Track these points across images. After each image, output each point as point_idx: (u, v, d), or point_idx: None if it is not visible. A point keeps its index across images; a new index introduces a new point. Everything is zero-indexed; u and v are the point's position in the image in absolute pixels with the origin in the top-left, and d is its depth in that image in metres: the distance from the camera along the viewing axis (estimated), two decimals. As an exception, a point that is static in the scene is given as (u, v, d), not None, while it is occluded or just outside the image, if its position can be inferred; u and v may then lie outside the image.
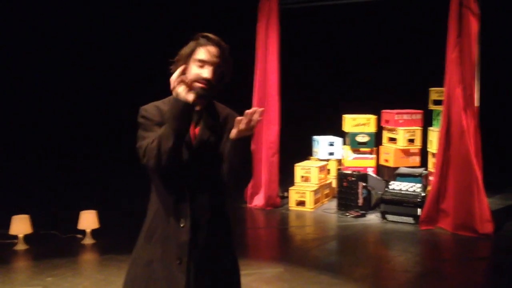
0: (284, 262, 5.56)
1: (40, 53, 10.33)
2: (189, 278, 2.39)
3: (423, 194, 6.95)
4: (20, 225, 5.86)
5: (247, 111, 2.28)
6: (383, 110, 8.43)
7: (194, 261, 2.42)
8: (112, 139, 9.81)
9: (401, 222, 6.94)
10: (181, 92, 2.31)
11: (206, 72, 2.40)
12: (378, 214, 7.23)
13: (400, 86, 8.77)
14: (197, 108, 2.44)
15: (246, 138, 2.35)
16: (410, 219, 6.90)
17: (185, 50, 2.43)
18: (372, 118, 8.41)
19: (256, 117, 2.28)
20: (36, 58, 10.38)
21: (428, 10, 8.12)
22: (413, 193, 7.00)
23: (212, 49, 2.41)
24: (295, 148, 8.79)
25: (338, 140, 8.54)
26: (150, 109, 2.47)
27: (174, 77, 2.33)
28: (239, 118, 2.29)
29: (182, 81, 2.33)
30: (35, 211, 6.42)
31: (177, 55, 2.46)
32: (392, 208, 7.03)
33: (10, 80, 10.36)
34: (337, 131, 8.64)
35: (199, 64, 2.41)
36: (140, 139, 2.41)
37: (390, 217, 7.04)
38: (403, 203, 6.96)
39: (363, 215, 7.29)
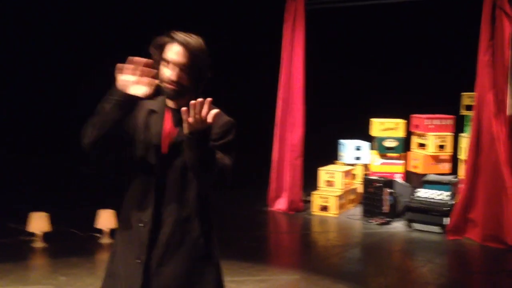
0: (301, 269, 5.42)
1: (60, 54, 10.44)
2: (147, 278, 2.33)
3: (451, 203, 6.69)
4: (39, 223, 5.88)
5: (192, 101, 2.09)
6: (413, 115, 8.17)
7: (154, 261, 2.33)
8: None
9: (427, 231, 6.69)
10: (125, 83, 2.22)
11: (171, 73, 2.29)
12: (404, 222, 6.99)
13: (431, 90, 8.49)
14: (174, 106, 2.37)
15: (199, 132, 2.12)
16: (436, 228, 6.65)
17: (157, 50, 2.33)
18: (401, 122, 8.17)
19: (205, 108, 2.09)
20: (54, 58, 10.50)
21: (460, 11, 7.83)
22: (441, 201, 6.74)
23: (177, 48, 2.28)
24: (321, 151, 8.63)
25: (365, 145, 8.33)
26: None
27: (128, 66, 2.23)
28: (184, 108, 2.11)
29: (134, 71, 2.23)
30: (54, 209, 6.44)
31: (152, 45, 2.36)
32: (418, 216, 6.78)
33: (27, 78, 10.52)
34: (365, 135, 8.42)
35: (165, 63, 2.30)
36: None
37: (416, 225, 6.80)
38: (430, 212, 6.71)
39: (388, 223, 7.07)
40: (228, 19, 9.46)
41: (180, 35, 2.30)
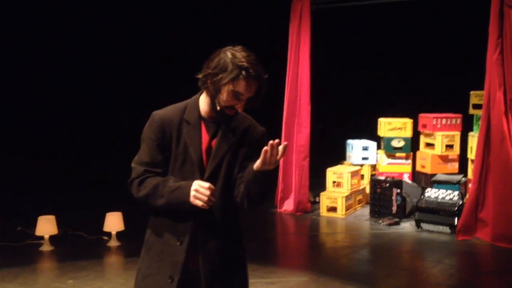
0: (310, 270, 5.37)
1: (70, 58, 10.44)
2: None
3: (460, 203, 6.62)
4: (46, 226, 5.86)
5: (271, 142, 2.13)
6: (421, 114, 8.12)
7: (187, 281, 2.30)
8: (138, 140, 9.82)
9: (436, 232, 6.63)
10: (198, 203, 2.21)
11: (239, 105, 2.28)
12: (413, 223, 6.92)
13: (439, 89, 8.44)
14: (207, 116, 2.35)
15: (269, 172, 2.20)
16: (446, 229, 6.59)
17: (224, 73, 2.23)
18: (408, 122, 8.12)
19: (281, 151, 2.14)
20: (63, 63, 10.50)
21: (468, 10, 7.77)
22: (450, 201, 6.68)
23: (253, 85, 2.25)
24: (328, 152, 8.58)
25: (372, 145, 8.28)
26: (157, 121, 2.33)
27: (206, 192, 2.19)
28: (265, 148, 2.13)
29: (207, 202, 2.21)
30: (61, 212, 6.42)
31: (209, 67, 2.27)
32: (427, 217, 6.72)
33: (36, 81, 10.52)
34: (372, 135, 8.38)
35: (234, 94, 2.25)
36: (138, 154, 2.38)
37: (425, 226, 6.74)
38: (439, 212, 6.65)
39: (396, 223, 7.01)
40: (233, 19, 9.43)
41: (255, 70, 2.23)
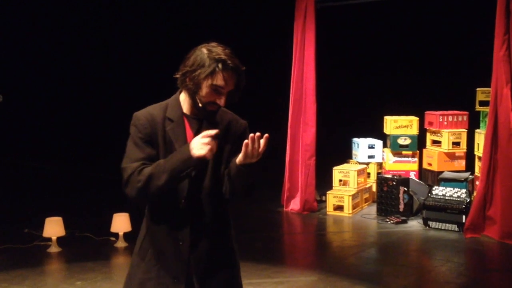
0: (318, 270, 5.35)
1: (78, 59, 10.44)
2: None
3: (468, 200, 6.59)
4: (54, 228, 5.86)
5: (251, 135, 2.12)
6: (427, 112, 8.09)
7: (195, 278, 2.30)
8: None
9: (444, 230, 6.60)
10: (202, 153, 2.14)
11: (220, 99, 2.25)
12: (420, 221, 6.90)
13: (445, 86, 8.40)
14: (188, 112, 2.33)
15: (252, 165, 2.18)
16: (454, 227, 6.56)
17: (202, 69, 2.22)
18: (414, 120, 8.09)
19: (263, 143, 2.13)
20: (72, 64, 10.51)
21: (475, 6, 7.73)
22: (458, 199, 6.65)
23: (232, 77, 2.24)
24: (334, 150, 8.56)
25: (378, 143, 8.26)
26: (142, 119, 2.31)
27: (205, 140, 2.15)
28: (246, 142, 2.13)
29: (210, 149, 2.15)
30: (69, 213, 6.42)
31: (186, 65, 2.26)
32: (435, 215, 6.69)
33: (39, 81, 10.54)
34: (378, 133, 8.35)
35: (213, 88, 2.23)
36: (125, 156, 2.31)
37: (432, 224, 6.71)
38: (447, 210, 6.62)
39: (404, 222, 6.98)
40: (238, 18, 9.41)
41: (232, 62, 2.23)
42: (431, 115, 7.99)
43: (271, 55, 8.63)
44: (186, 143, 2.26)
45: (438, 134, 7.87)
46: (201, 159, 2.16)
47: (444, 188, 6.88)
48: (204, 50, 2.25)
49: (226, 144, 2.34)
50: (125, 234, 6.02)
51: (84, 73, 10.69)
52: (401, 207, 7.16)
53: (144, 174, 2.21)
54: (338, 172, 7.68)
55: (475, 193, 6.75)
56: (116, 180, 9.19)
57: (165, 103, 2.36)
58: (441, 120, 7.78)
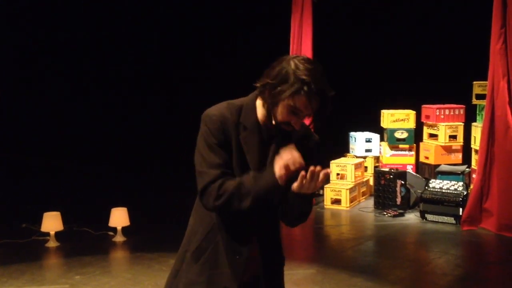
0: (317, 263, 5.38)
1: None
2: None
3: (465, 193, 6.62)
4: (52, 222, 5.86)
5: (312, 168, 1.98)
6: (423, 105, 8.12)
7: None
8: (142, 136, 9.82)
9: (441, 222, 6.63)
10: (284, 171, 1.99)
11: (297, 123, 2.08)
12: (417, 214, 6.93)
13: (442, 79, 8.41)
14: (262, 121, 2.16)
15: (307, 195, 2.07)
16: (451, 219, 6.59)
17: (283, 86, 2.02)
18: (411, 113, 8.12)
19: (321, 178, 2.00)
20: (65, 60, 10.50)
21: (471, 0, 7.74)
22: (455, 192, 6.68)
23: (314, 102, 2.03)
24: (331, 144, 8.56)
25: (375, 137, 8.28)
26: (216, 122, 2.12)
27: (290, 165, 1.99)
28: (303, 173, 1.99)
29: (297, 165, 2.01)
30: (67, 208, 6.42)
31: (269, 75, 2.07)
32: (432, 208, 6.73)
33: (38, 78, 10.52)
34: (375, 127, 8.37)
35: (292, 109, 2.04)
36: (201, 157, 2.13)
37: (430, 216, 6.74)
38: (444, 202, 6.65)
39: (401, 215, 7.01)
40: (235, 12, 9.40)
41: (318, 86, 2.03)
42: (428, 109, 8.02)
43: (268, 49, 8.62)
44: (258, 155, 2.14)
45: (435, 128, 7.90)
46: (285, 183, 2.01)
47: (441, 181, 6.91)
48: (292, 65, 2.04)
49: None
50: (123, 228, 6.02)
51: (82, 71, 10.67)
52: (398, 200, 7.19)
53: (226, 190, 2.07)
54: (335, 166, 7.70)
55: (472, 186, 6.78)
56: (114, 174, 9.16)
57: (240, 104, 2.18)
58: (437, 113, 7.80)
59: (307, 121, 2.19)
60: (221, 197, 2.06)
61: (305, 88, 2.00)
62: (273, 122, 2.09)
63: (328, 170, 2.01)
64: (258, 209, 2.11)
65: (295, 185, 2.02)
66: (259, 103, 2.17)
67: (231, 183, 2.08)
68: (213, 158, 2.10)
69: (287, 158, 2.01)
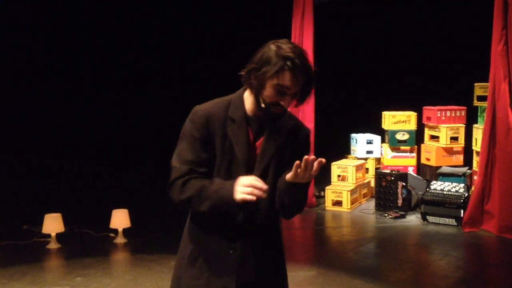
0: (318, 264, 5.37)
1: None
2: None
3: (466, 195, 6.62)
4: (53, 224, 5.86)
5: (306, 157, 1.98)
6: (425, 107, 8.12)
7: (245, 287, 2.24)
8: (143, 136, 9.82)
9: (442, 224, 6.63)
10: (242, 197, 2.00)
11: (285, 101, 2.09)
12: (419, 216, 6.93)
13: (443, 81, 8.41)
14: (250, 113, 2.19)
15: (302, 185, 2.08)
16: (452, 221, 6.59)
17: (267, 66, 2.06)
18: (412, 115, 8.12)
19: (315, 167, 2.00)
20: (65, 60, 10.50)
21: (472, 1, 7.73)
22: (456, 194, 6.67)
23: (299, 77, 2.06)
24: (332, 146, 8.56)
25: (377, 138, 8.27)
26: (201, 117, 2.16)
27: (248, 190, 2.00)
28: (297, 162, 1.99)
29: (254, 197, 2.01)
30: (68, 209, 6.42)
31: (252, 62, 2.11)
32: (433, 209, 6.72)
33: (38, 79, 10.53)
34: (376, 128, 8.37)
35: (279, 88, 2.07)
36: (176, 151, 2.18)
37: (431, 218, 6.74)
38: (445, 204, 6.65)
39: (402, 216, 7.01)
40: (236, 13, 9.40)
41: (301, 61, 2.06)
42: (429, 110, 8.01)
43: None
44: (246, 147, 2.16)
45: (436, 129, 7.90)
46: (245, 204, 2.02)
47: (442, 182, 6.91)
48: (272, 47, 2.09)
49: (287, 151, 2.21)
50: (124, 230, 6.02)
51: (82, 71, 10.68)
52: (400, 202, 7.18)
53: (187, 190, 2.12)
54: (336, 168, 7.69)
55: (473, 188, 6.78)
56: (115, 176, 9.17)
57: (228, 100, 2.22)
58: (439, 115, 7.80)
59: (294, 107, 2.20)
60: (183, 194, 2.12)
61: (289, 63, 2.04)
62: (263, 105, 2.11)
63: (323, 159, 2.01)
64: (244, 209, 2.14)
65: (289, 175, 2.05)
66: (246, 95, 2.21)
67: (196, 183, 2.12)
68: (186, 154, 2.15)
69: (247, 187, 2.01)
